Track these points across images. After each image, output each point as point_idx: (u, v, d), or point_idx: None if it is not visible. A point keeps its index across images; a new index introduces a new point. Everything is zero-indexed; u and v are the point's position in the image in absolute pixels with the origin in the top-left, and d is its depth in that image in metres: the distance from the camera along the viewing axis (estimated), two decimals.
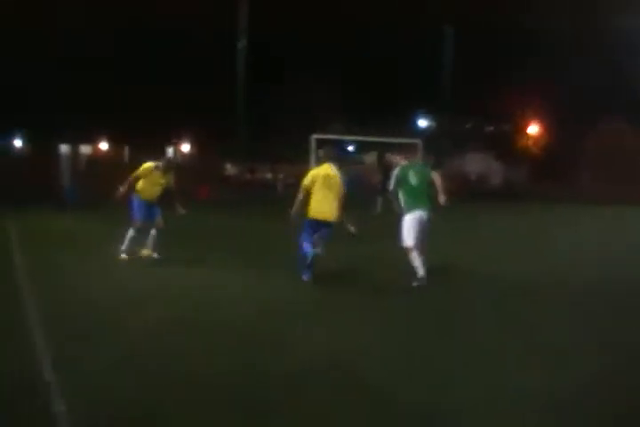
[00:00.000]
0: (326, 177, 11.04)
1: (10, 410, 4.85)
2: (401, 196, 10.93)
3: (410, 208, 10.75)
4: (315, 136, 31.30)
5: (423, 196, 10.87)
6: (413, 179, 10.86)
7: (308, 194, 11.05)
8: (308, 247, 10.69)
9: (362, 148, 49.47)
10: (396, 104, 44.60)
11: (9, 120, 42.04)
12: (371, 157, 49.29)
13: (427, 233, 10.78)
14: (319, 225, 10.94)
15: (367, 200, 25.23)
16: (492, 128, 55.07)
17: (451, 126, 48.31)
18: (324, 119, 42.13)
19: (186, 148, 51.11)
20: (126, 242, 12.78)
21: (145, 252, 12.87)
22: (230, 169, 45.78)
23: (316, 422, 4.79)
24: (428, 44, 44.76)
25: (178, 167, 13.73)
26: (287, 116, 43.39)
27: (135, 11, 40.52)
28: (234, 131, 40.93)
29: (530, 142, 48.43)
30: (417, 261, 10.55)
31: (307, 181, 11.09)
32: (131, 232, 12.80)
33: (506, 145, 47.90)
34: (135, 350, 6.59)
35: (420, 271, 10.51)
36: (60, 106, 41.34)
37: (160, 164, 13.00)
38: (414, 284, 10.31)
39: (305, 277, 10.72)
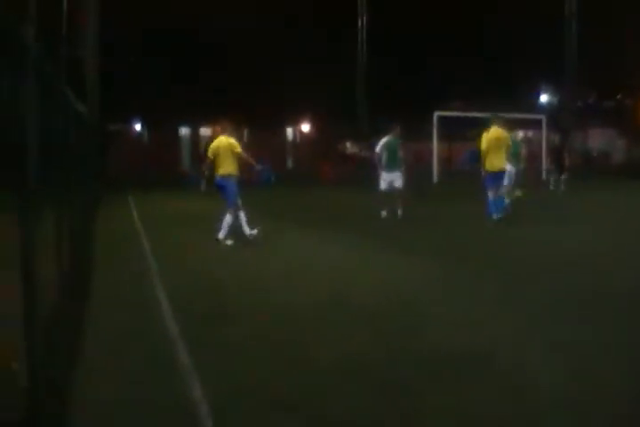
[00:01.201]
0: (497, 139, 14.38)
1: (146, 396, 4.77)
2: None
3: None
4: (437, 113, 31.38)
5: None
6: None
7: (486, 154, 14.38)
8: (492, 195, 14.19)
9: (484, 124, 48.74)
10: (517, 79, 43.88)
11: (128, 103, 43.16)
12: None
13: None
14: (496, 175, 14.35)
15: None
16: (612, 103, 53.42)
17: (573, 101, 47.10)
18: (445, 96, 41.90)
19: (305, 127, 51.52)
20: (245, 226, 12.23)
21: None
22: (351, 147, 45.94)
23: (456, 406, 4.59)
24: (552, 18, 43.72)
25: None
26: (408, 94, 43.29)
27: None
28: (354, 109, 41.20)
29: None
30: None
31: (483, 145, 14.40)
32: (231, 218, 12.10)
33: (630, 120, 46.33)
34: (271, 334, 6.35)
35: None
36: (178, 89, 42.41)
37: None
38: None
39: (495, 216, 14.03)
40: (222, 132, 12.72)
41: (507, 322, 6.66)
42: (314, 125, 50.20)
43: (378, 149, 16.14)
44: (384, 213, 16.00)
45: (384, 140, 16.11)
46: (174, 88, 42.68)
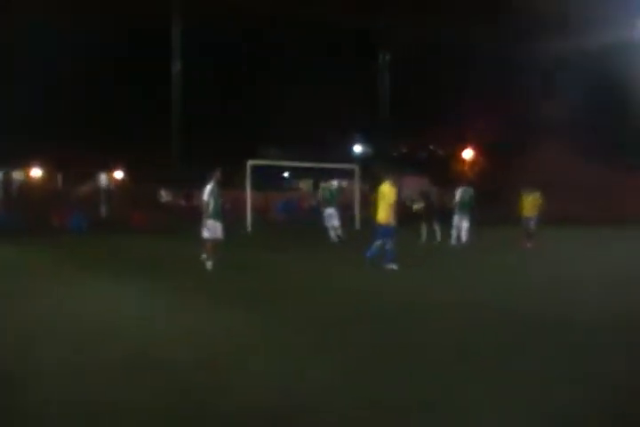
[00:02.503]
0: (382, 193, 15.06)
1: None
2: None
3: None
4: (250, 162, 31.09)
5: None
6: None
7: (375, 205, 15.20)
8: (386, 244, 14.87)
9: (298, 174, 49.51)
10: (331, 130, 44.68)
11: None
12: (306, 184, 49.31)
13: None
14: (381, 227, 15.03)
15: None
16: (425, 154, 55.79)
17: (387, 151, 48.55)
18: (261, 145, 41.95)
19: (119, 174, 50.32)
20: None
21: None
22: (165, 196, 45.03)
23: None
24: (365, 70, 45.13)
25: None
26: (223, 142, 43.06)
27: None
28: (168, 157, 40.36)
29: (465, 167, 48.94)
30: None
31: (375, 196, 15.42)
32: None
33: (441, 170, 48.28)
34: (62, 396, 5.96)
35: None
36: None
37: None
38: None
39: (394, 266, 14.78)
40: None
41: (320, 374, 6.50)
42: (127, 172, 49.10)
43: (205, 196, 15.16)
44: (207, 262, 15.30)
45: (209, 187, 15.15)
46: None
